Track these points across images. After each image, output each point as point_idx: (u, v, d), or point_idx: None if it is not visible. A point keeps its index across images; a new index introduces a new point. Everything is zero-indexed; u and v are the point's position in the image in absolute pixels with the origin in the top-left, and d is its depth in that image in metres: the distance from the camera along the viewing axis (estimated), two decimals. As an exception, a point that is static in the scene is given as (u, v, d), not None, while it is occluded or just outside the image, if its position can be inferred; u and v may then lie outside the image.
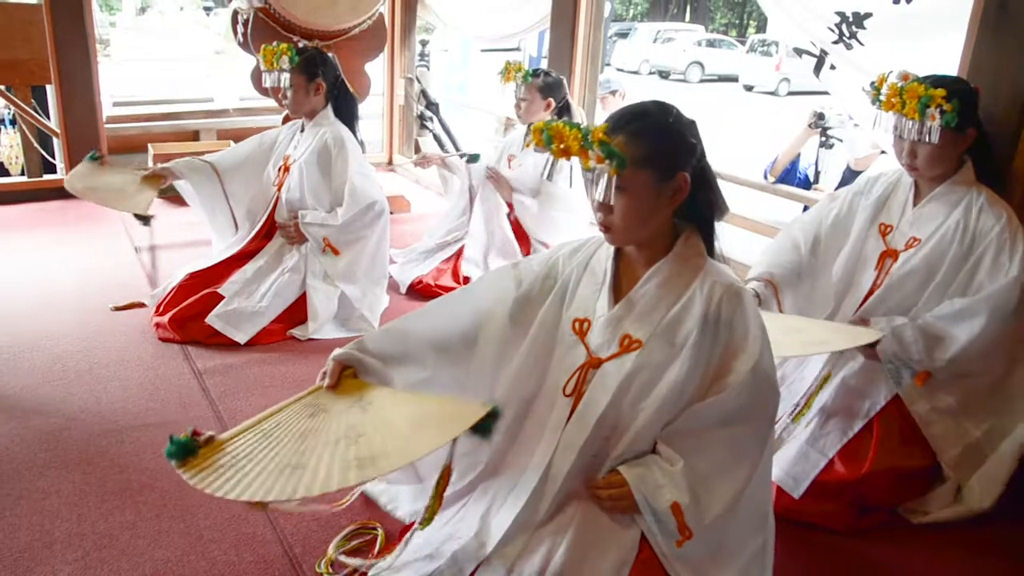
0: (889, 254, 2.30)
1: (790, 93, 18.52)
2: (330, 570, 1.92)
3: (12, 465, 2.29)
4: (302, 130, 3.34)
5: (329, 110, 3.30)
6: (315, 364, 2.93)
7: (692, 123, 1.60)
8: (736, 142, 10.58)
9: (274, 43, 3.19)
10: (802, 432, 2.25)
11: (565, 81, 3.72)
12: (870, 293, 2.31)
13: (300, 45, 4.21)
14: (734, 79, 20.61)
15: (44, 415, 2.56)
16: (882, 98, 2.13)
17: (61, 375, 2.81)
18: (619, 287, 1.66)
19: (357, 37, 4.57)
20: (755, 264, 2.47)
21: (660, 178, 1.53)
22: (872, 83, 2.18)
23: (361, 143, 3.47)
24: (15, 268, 3.81)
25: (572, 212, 3.62)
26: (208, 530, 2.06)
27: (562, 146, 1.50)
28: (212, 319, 3.06)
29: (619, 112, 1.58)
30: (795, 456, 2.21)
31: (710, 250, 1.64)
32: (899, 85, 2.10)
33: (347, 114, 3.34)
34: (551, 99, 3.61)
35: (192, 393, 2.73)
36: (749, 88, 19.88)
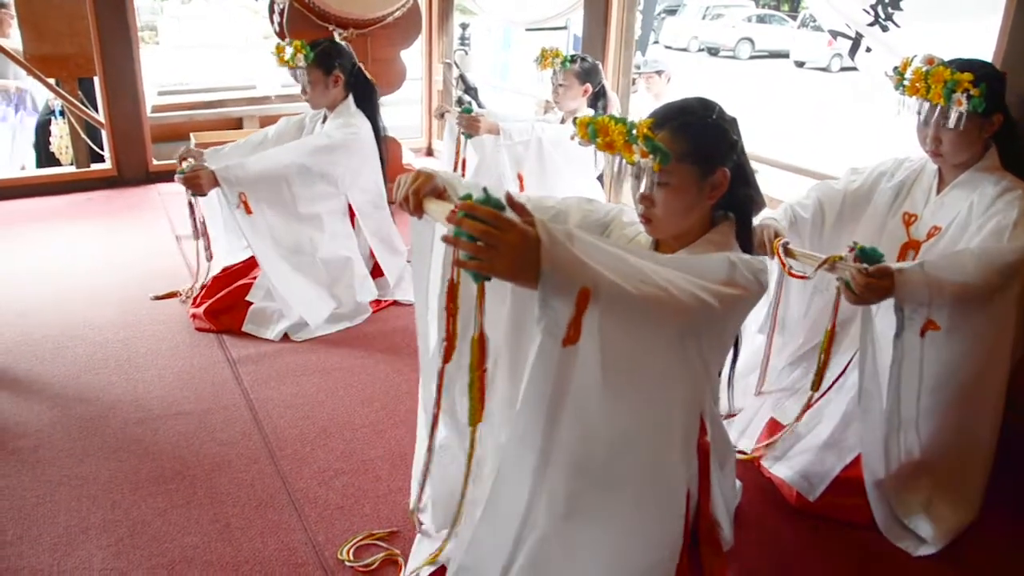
0: (911, 245, 2.24)
1: (842, 69, 18.06)
2: (351, 558, 1.97)
3: (53, 452, 2.38)
4: (324, 120, 3.35)
5: (350, 100, 3.30)
6: (346, 353, 3.01)
7: (733, 120, 1.66)
8: (787, 122, 10.37)
9: (286, 40, 3.20)
10: (819, 433, 2.22)
11: (600, 66, 3.69)
12: None
13: (334, 34, 4.26)
14: (785, 55, 20.15)
15: (85, 403, 2.65)
16: (906, 83, 2.07)
17: (102, 364, 2.90)
18: None
19: (392, 25, 4.58)
20: (781, 206, 2.41)
21: (702, 173, 1.60)
22: (895, 68, 2.11)
23: (384, 129, 3.45)
24: (62, 257, 3.93)
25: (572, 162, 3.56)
26: (235, 518, 2.12)
27: (607, 140, 1.52)
28: (246, 326, 3.13)
29: (663, 107, 1.64)
30: (811, 459, 2.18)
31: (745, 243, 1.69)
32: (924, 69, 2.04)
33: (368, 102, 3.34)
34: (588, 84, 3.58)
35: (226, 382, 2.81)
36: (800, 64, 19.42)
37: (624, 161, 1.55)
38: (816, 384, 2.16)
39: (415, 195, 1.62)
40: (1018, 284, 2.00)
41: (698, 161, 1.59)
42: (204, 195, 3.00)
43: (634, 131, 1.49)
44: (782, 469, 2.23)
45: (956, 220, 2.14)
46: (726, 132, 1.62)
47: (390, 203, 3.32)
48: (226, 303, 3.17)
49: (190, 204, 3.12)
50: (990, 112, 2.03)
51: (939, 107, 2.02)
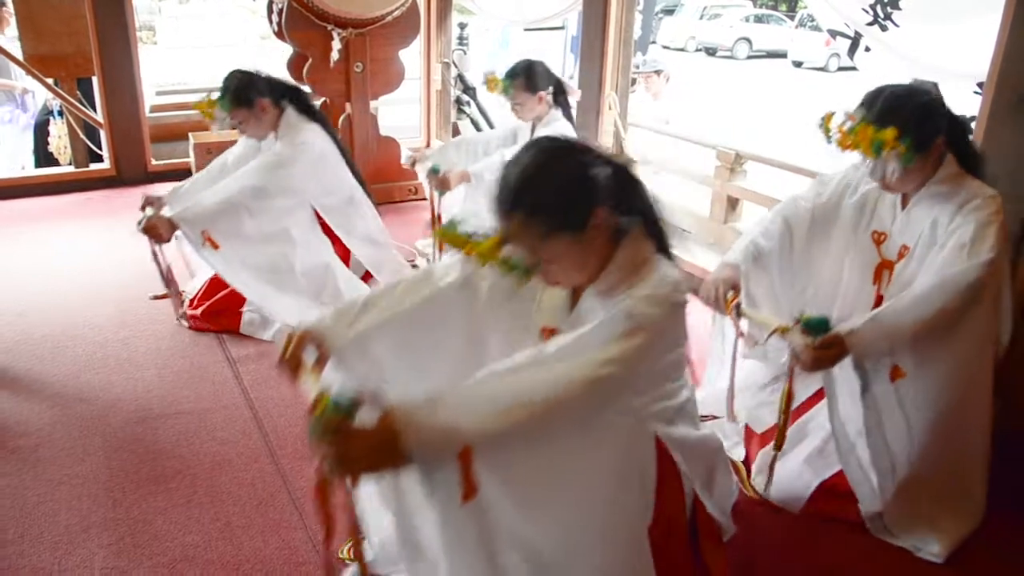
0: (885, 266, 2.16)
1: (840, 69, 18.07)
2: (351, 556, 1.96)
3: (53, 451, 2.38)
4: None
5: (289, 113, 3.14)
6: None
7: (586, 154, 1.50)
8: (785, 121, 10.39)
9: (205, 97, 3.11)
10: (802, 450, 2.19)
11: (543, 65, 3.59)
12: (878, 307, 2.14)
13: (332, 33, 4.23)
14: (783, 55, 20.17)
15: (85, 402, 2.65)
16: (834, 137, 2.02)
17: (102, 363, 2.90)
18: (577, 298, 1.64)
19: (390, 24, 4.58)
20: (742, 239, 2.33)
21: (574, 233, 1.48)
22: (821, 120, 2.05)
23: (336, 132, 3.35)
24: (62, 257, 3.94)
25: None
26: (236, 516, 2.12)
27: (473, 254, 1.48)
28: (243, 329, 3.12)
29: (513, 189, 1.48)
30: (791, 475, 2.17)
31: (661, 241, 1.58)
32: (847, 126, 1.99)
33: (306, 106, 3.21)
34: (540, 91, 3.50)
35: (226, 381, 2.81)
36: (798, 64, 19.43)
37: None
38: (779, 444, 2.06)
39: (292, 361, 1.60)
40: (988, 294, 1.95)
41: (565, 226, 1.46)
42: (167, 242, 2.95)
43: (485, 255, 1.46)
44: (761, 482, 2.21)
45: (922, 238, 2.07)
46: (584, 180, 1.46)
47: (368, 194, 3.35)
48: (224, 304, 3.17)
49: (153, 253, 3.02)
50: (926, 148, 1.98)
51: (874, 160, 1.99)
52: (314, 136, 3.12)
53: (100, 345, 3.04)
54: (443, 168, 3.50)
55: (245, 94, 3.05)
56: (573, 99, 3.73)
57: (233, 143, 3.58)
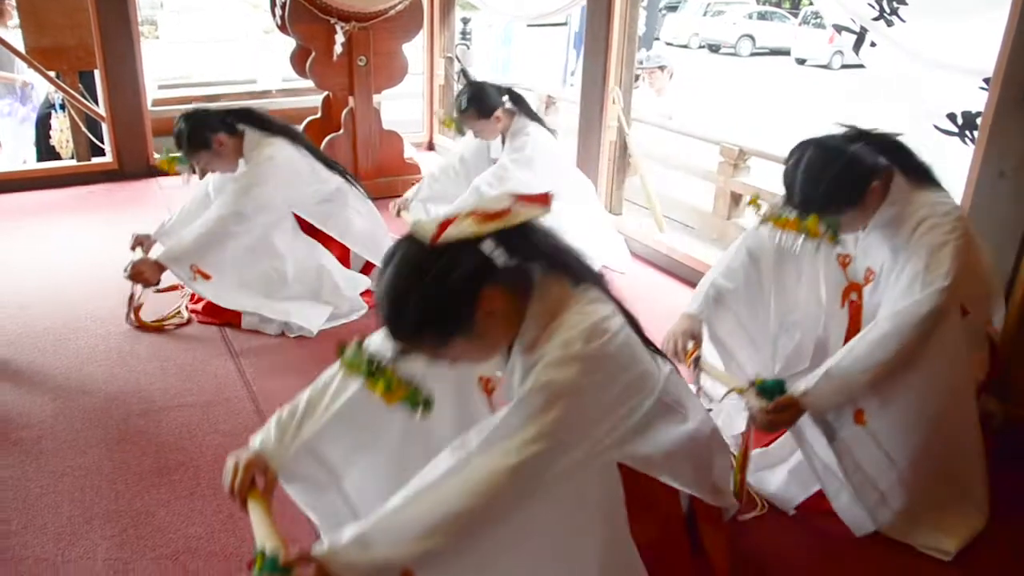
0: (852, 288, 2.15)
1: (843, 66, 18.04)
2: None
3: (56, 443, 2.38)
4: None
5: (249, 137, 3.09)
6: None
7: (457, 251, 1.35)
8: (788, 118, 10.37)
9: (164, 154, 3.16)
10: (792, 460, 2.16)
11: (484, 85, 3.54)
12: (852, 330, 2.13)
13: (336, 27, 4.22)
14: (786, 52, 20.15)
15: (87, 394, 2.65)
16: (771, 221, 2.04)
17: (104, 356, 2.90)
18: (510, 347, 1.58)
19: (394, 18, 4.57)
20: (702, 282, 2.30)
21: (466, 331, 1.39)
22: (750, 206, 2.09)
23: (302, 135, 3.33)
24: (64, 250, 3.93)
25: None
26: (238, 509, 2.11)
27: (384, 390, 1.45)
28: (245, 324, 3.12)
29: (387, 324, 1.40)
30: (783, 481, 2.15)
31: (576, 273, 1.49)
32: (775, 215, 2.02)
33: (259, 122, 3.15)
34: (493, 112, 3.48)
35: (228, 374, 2.80)
36: (801, 62, 19.41)
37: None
38: (739, 497, 1.96)
39: (240, 491, 1.61)
40: (951, 315, 1.91)
41: (455, 331, 1.38)
42: (155, 284, 3.01)
43: (388, 382, 1.44)
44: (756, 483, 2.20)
45: (884, 264, 2.04)
46: (457, 280, 1.35)
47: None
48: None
49: (132, 295, 3.08)
50: (862, 199, 1.95)
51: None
52: (278, 149, 3.08)
53: (102, 338, 3.04)
54: (431, 203, 3.55)
55: (199, 137, 3.02)
56: (533, 96, 3.71)
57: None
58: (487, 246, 1.38)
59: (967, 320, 2.02)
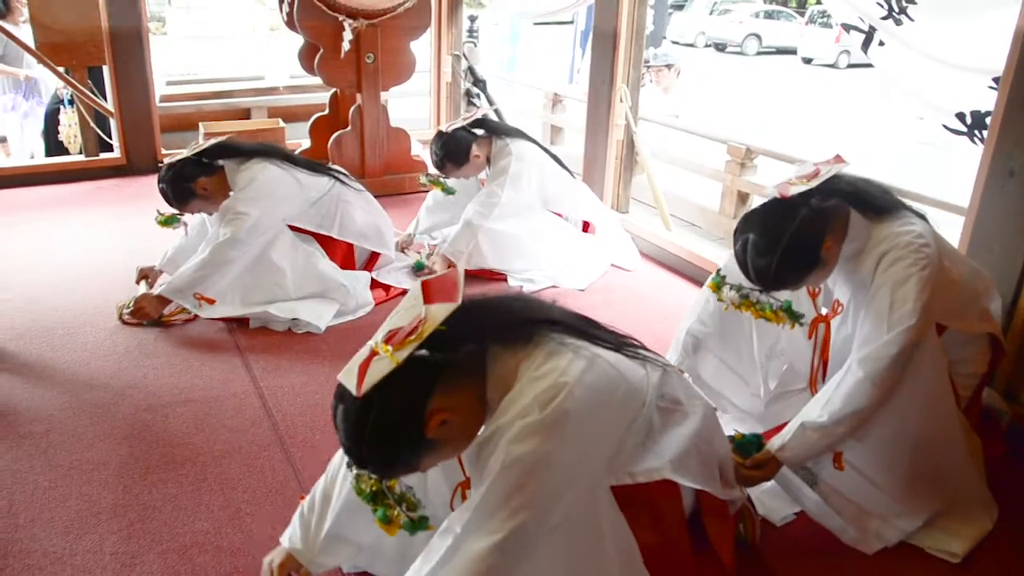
0: (820, 320, 2.14)
1: (850, 66, 18.00)
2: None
3: (64, 437, 2.39)
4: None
5: (228, 169, 3.12)
6: (355, 341, 3.01)
7: (416, 367, 1.33)
8: (795, 117, 10.35)
9: (158, 217, 3.22)
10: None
11: (448, 130, 3.51)
12: (823, 363, 2.14)
13: (344, 24, 4.23)
14: (792, 52, 20.11)
15: (95, 389, 2.66)
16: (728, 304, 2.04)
17: (112, 350, 2.91)
18: None
19: (402, 16, 4.57)
20: (679, 331, 2.30)
21: (421, 449, 1.38)
22: (713, 286, 2.08)
23: (281, 147, 3.36)
24: (72, 245, 3.94)
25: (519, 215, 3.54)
26: (246, 504, 2.12)
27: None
28: (253, 324, 3.13)
29: (352, 460, 1.41)
30: (769, 491, 2.13)
31: (520, 336, 1.46)
32: (737, 300, 2.02)
33: (233, 152, 3.14)
34: (469, 153, 3.49)
35: (235, 370, 2.81)
36: (808, 61, 19.38)
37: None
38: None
39: None
40: (925, 341, 1.90)
41: (413, 453, 1.38)
42: (156, 318, 3.10)
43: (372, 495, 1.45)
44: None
45: (852, 300, 2.03)
46: (400, 411, 1.33)
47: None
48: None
49: (124, 323, 3.12)
50: (817, 261, 1.91)
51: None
52: (257, 170, 3.10)
53: (110, 333, 3.05)
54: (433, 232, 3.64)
55: (182, 191, 3.06)
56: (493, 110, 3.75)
57: (246, 131, 3.59)
58: (424, 355, 1.34)
59: (949, 331, 2.03)
